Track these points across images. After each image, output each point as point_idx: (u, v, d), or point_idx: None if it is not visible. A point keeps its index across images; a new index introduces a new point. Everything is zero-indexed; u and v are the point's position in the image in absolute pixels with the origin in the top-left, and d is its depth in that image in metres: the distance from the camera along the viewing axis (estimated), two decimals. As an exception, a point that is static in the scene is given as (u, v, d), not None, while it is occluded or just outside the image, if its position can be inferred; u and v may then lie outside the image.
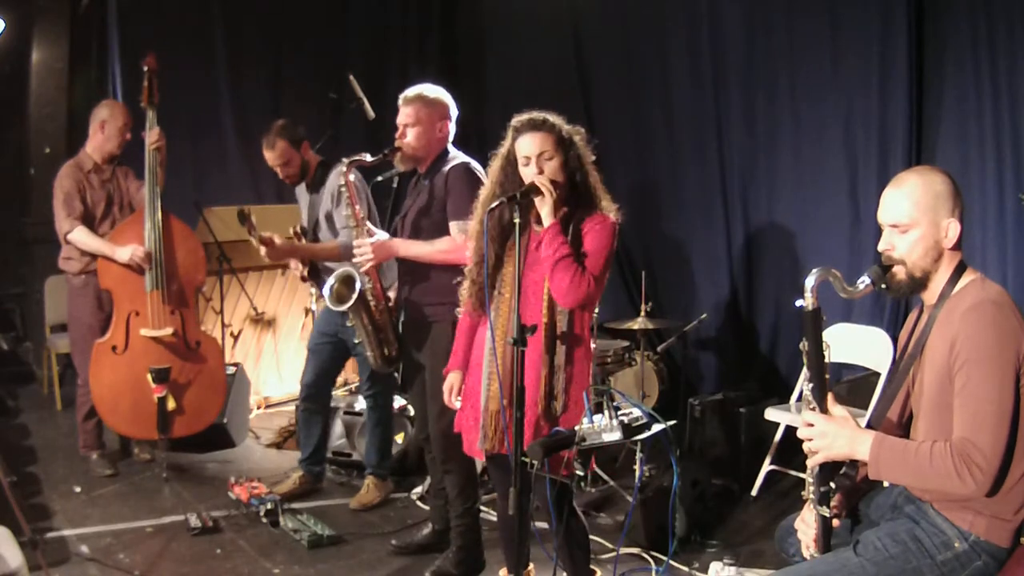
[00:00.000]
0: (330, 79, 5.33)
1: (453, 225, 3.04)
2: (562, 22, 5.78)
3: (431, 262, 3.09)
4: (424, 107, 3.11)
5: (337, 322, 3.89)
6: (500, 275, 2.65)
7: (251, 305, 5.53)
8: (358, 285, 3.15)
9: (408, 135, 3.11)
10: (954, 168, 3.75)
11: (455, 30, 6.76)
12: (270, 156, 3.87)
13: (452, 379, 2.83)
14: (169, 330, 4.13)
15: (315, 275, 4.00)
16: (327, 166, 3.92)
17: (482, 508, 3.41)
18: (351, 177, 3.26)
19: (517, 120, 2.62)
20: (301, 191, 4.04)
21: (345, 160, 3.20)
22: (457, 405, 2.79)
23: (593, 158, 2.65)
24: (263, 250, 3.75)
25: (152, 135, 4.11)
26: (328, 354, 4.01)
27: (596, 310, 3.59)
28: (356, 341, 3.30)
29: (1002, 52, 3.75)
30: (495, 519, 3.52)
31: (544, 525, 3.32)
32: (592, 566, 2.88)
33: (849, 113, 4.36)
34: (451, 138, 3.20)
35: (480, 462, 3.25)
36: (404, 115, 3.12)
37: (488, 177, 2.71)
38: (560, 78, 5.77)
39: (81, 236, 4.10)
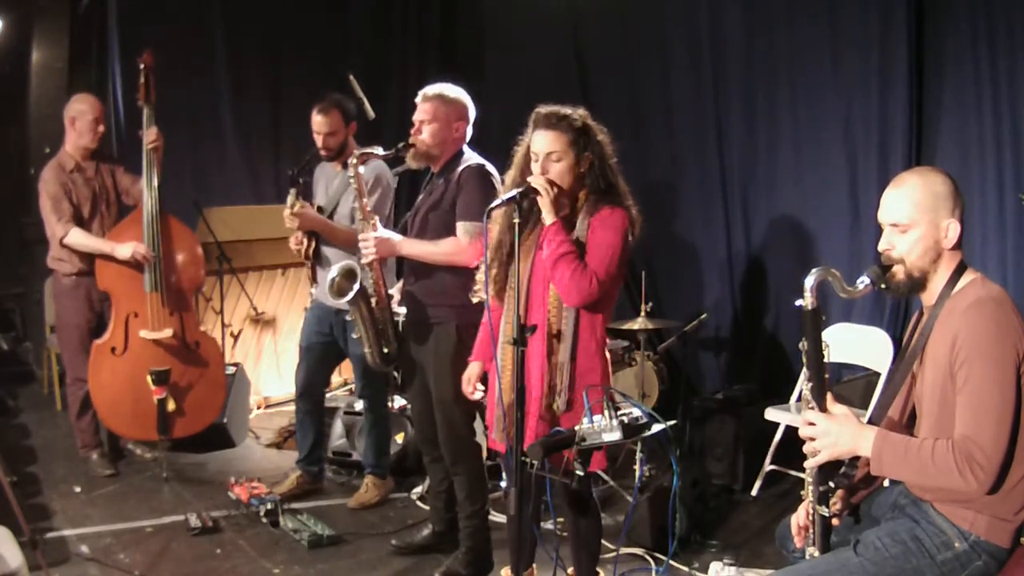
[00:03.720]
0: (330, 79, 5.34)
1: (460, 226, 3.02)
2: (562, 22, 5.77)
3: (434, 263, 3.08)
4: (442, 105, 3.09)
5: (331, 320, 3.88)
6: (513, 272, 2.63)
7: (251, 305, 5.53)
8: (359, 279, 3.13)
9: (424, 132, 3.09)
10: (954, 168, 3.76)
11: (455, 30, 6.75)
12: (320, 121, 3.76)
13: (472, 368, 2.82)
14: (168, 331, 4.12)
15: (317, 256, 3.89)
16: None
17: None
18: (361, 170, 3.17)
19: (537, 112, 2.59)
20: (327, 169, 3.94)
21: (356, 151, 3.16)
22: (476, 395, 2.79)
23: (614, 159, 2.62)
24: (287, 211, 3.68)
25: (150, 134, 4.07)
26: (320, 353, 3.98)
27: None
28: (355, 336, 3.28)
29: (1002, 52, 3.75)
30: (501, 520, 3.52)
31: (548, 525, 3.32)
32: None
33: (849, 113, 4.36)
34: (467, 139, 3.19)
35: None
36: (422, 111, 3.10)
37: (513, 164, 2.69)
38: (560, 78, 5.76)
39: (78, 238, 4.06)
